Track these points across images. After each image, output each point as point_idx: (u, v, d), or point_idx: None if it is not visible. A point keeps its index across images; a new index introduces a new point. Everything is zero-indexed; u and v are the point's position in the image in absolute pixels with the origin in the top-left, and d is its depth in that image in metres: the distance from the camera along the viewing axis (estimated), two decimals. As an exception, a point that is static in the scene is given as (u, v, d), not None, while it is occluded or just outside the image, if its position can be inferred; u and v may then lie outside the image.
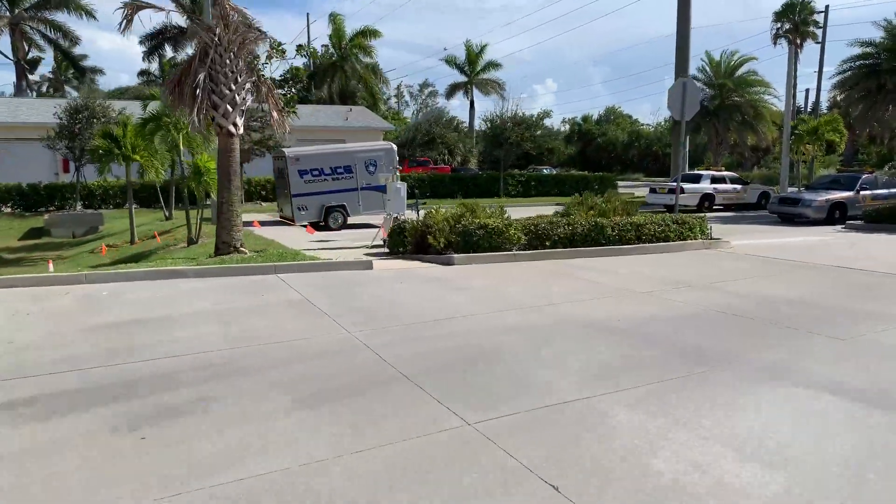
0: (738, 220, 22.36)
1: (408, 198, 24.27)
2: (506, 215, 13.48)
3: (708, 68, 32.13)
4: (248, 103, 11.65)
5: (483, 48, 53.79)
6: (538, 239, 12.09)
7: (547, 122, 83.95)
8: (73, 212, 22.67)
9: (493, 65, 53.29)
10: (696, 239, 13.24)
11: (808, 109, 51.54)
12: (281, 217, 22.09)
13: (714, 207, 26.54)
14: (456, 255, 11.44)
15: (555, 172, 46.33)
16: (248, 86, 11.43)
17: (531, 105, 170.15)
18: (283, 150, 20.89)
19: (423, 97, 78.83)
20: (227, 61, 11.05)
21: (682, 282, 9.41)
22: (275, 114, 11.91)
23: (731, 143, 36.98)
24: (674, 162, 14.28)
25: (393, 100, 68.14)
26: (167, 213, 20.94)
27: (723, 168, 29.82)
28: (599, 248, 12.27)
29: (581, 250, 12.11)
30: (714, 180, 26.93)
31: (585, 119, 76.34)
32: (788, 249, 13.30)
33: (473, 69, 53.27)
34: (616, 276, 9.95)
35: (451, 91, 53.58)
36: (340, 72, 47.47)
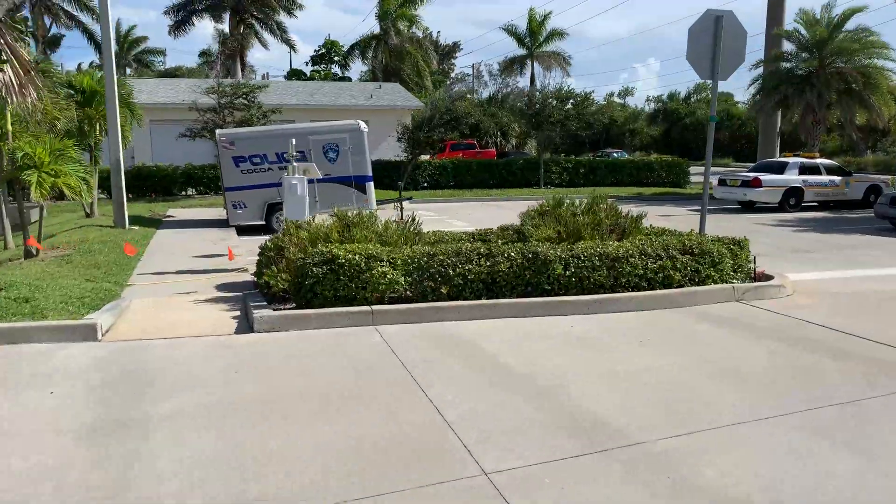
0: (830, 226, 16.21)
1: (391, 191, 19.61)
2: (417, 231, 8.55)
3: (802, 29, 25.15)
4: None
5: (546, 16, 47.65)
6: (431, 282, 7.08)
7: (630, 101, 76.83)
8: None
9: (556, 34, 46.85)
10: (723, 282, 7.79)
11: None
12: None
13: (803, 205, 20.28)
14: (266, 314, 6.63)
15: (626, 157, 40.10)
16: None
17: (625, 82, 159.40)
18: (217, 131, 16.54)
19: (503, 76, 73.48)
20: None
21: (616, 435, 4.22)
22: (8, 72, 7.32)
23: (834, 122, 29.77)
24: (708, 144, 8.66)
25: (471, 79, 63.16)
26: (88, 210, 17.15)
27: (818, 154, 23.17)
28: (538, 300, 7.09)
29: (502, 304, 6.99)
30: (804, 170, 20.58)
31: (672, 97, 68.49)
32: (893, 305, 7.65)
33: (535, 41, 47.17)
34: (489, 395, 4.85)
35: (508, 66, 47.76)
36: (383, 46, 42.94)
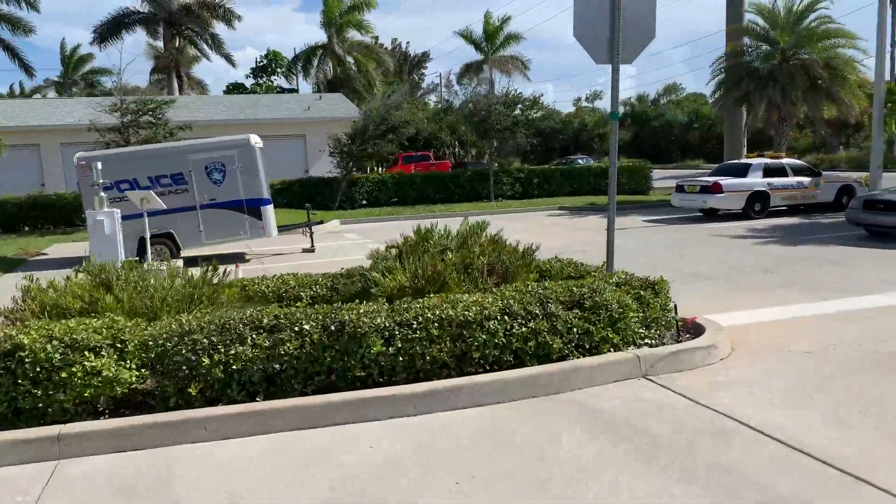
0: (797, 235, 14.03)
1: (325, 210, 17.20)
2: (218, 283, 6.19)
3: (760, 20, 23.15)
4: None
5: (505, 20, 45.47)
6: (175, 377, 4.69)
7: (598, 104, 74.92)
8: None
9: (513, 38, 44.65)
10: (626, 345, 5.45)
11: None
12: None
13: (770, 210, 18.14)
14: None
15: (591, 163, 38.00)
16: None
17: (603, 86, 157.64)
18: (77, 154, 14.05)
19: (474, 84, 71.30)
20: None
21: None
22: None
23: (804, 118, 27.82)
24: (611, 147, 6.23)
25: (444, 90, 60.96)
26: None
27: (783, 154, 21.09)
28: (338, 398, 4.67)
29: (283, 409, 4.57)
30: (769, 172, 18.46)
31: (640, 99, 66.71)
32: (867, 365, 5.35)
33: (492, 45, 45.03)
34: None
35: (464, 73, 45.53)
36: (331, 55, 40.60)
